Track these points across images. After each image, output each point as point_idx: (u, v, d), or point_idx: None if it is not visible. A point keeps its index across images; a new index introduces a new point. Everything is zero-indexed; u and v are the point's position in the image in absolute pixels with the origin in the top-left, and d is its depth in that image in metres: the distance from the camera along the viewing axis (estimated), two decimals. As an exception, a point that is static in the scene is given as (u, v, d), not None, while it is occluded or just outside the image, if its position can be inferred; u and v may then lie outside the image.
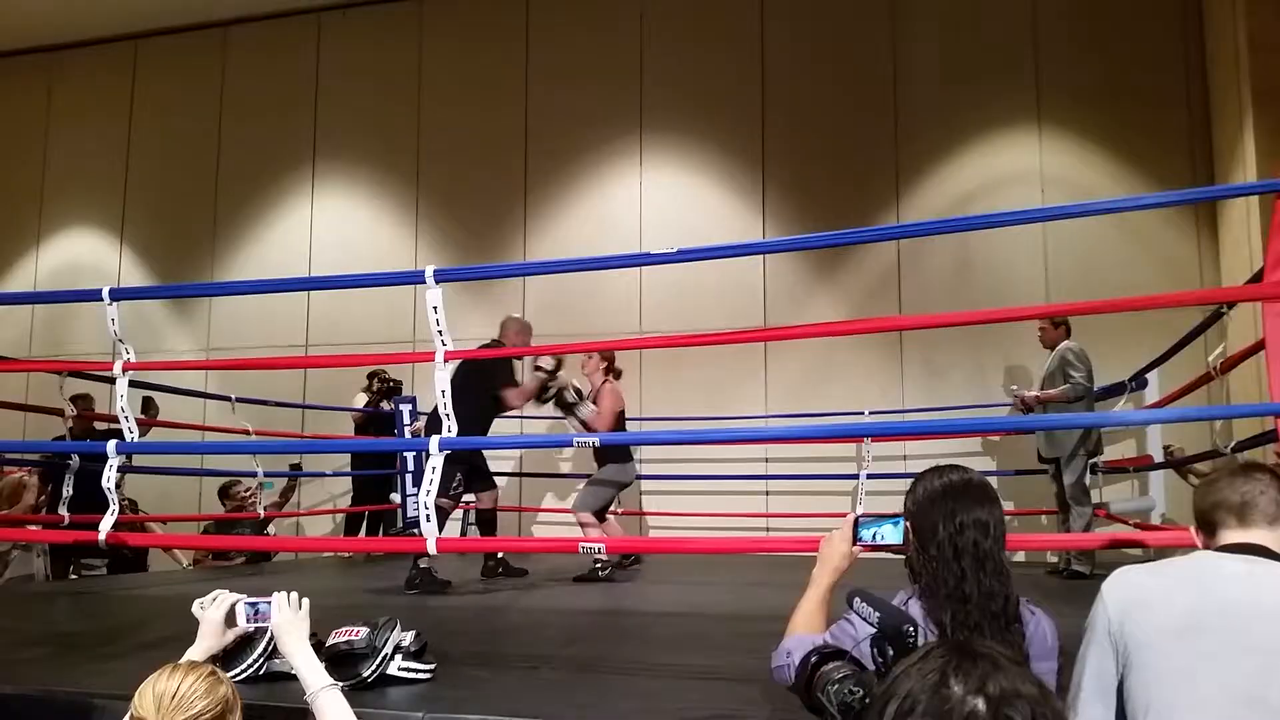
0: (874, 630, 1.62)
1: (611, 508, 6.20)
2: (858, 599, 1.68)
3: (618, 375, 6.13)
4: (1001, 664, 0.94)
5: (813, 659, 1.66)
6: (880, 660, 1.63)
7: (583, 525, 5.82)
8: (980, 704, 0.90)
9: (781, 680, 1.86)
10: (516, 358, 5.41)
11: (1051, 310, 5.87)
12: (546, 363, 5.58)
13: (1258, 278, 2.90)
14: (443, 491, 5.26)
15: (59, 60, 10.82)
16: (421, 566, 5.16)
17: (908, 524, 1.84)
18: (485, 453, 5.85)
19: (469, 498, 5.97)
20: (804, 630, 1.89)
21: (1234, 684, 1.56)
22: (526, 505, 8.35)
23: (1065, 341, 5.97)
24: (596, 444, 5.37)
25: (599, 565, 5.60)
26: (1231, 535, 1.76)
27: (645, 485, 7.84)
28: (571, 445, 4.73)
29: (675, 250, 3.42)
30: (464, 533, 8.06)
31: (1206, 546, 1.81)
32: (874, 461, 7.41)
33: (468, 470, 5.47)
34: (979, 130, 8.15)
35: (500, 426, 6.05)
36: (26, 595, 5.37)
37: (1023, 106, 8.04)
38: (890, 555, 1.97)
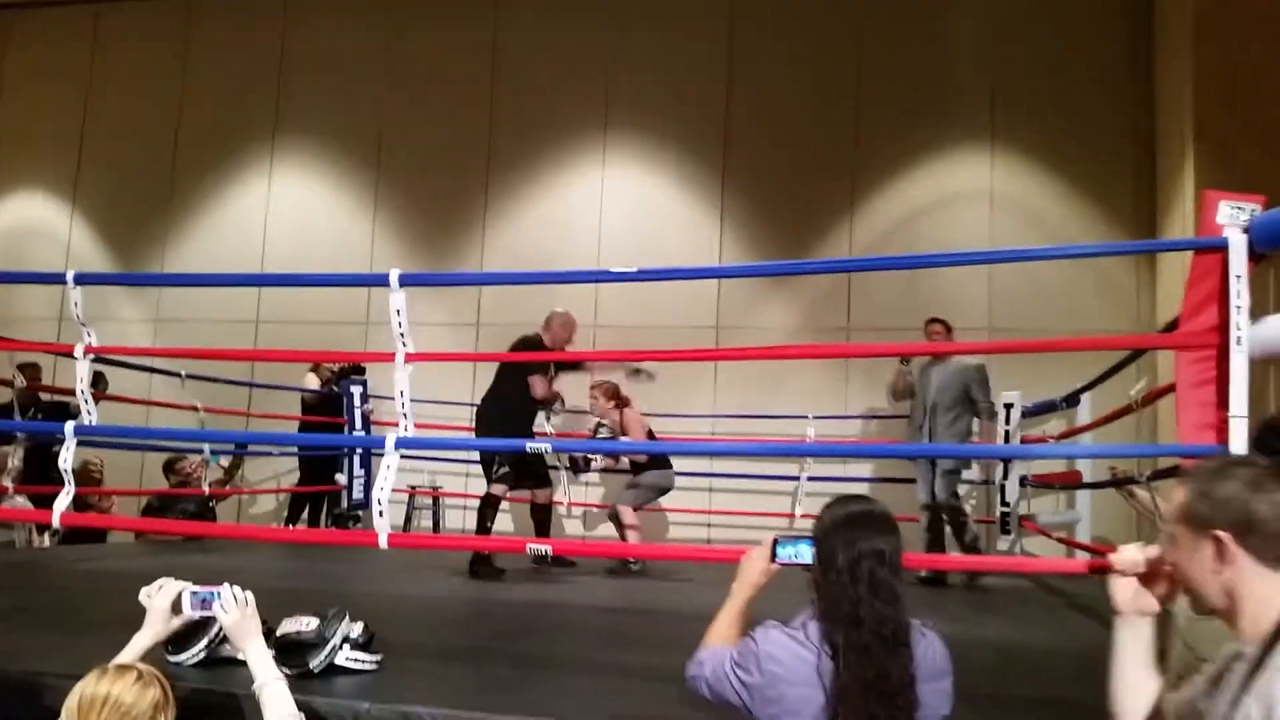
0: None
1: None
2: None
3: (627, 402, 6.43)
4: None
5: None
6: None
7: (623, 524, 6.15)
8: None
9: (694, 690, 1.97)
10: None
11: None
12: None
13: (1172, 326, 3.07)
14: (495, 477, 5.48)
15: (16, 19, 10.60)
16: (481, 555, 5.31)
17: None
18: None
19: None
20: (718, 642, 1.99)
21: None
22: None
23: (962, 358, 5.90)
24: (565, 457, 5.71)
25: (632, 560, 5.94)
26: None
27: (589, 479, 7.95)
28: (550, 451, 4.91)
29: (636, 270, 3.56)
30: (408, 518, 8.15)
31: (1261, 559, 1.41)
32: (814, 464, 7.66)
33: (519, 467, 5.58)
34: (934, 145, 8.34)
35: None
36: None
37: (977, 125, 8.24)
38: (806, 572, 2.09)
